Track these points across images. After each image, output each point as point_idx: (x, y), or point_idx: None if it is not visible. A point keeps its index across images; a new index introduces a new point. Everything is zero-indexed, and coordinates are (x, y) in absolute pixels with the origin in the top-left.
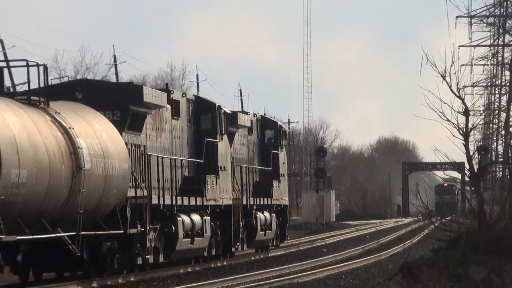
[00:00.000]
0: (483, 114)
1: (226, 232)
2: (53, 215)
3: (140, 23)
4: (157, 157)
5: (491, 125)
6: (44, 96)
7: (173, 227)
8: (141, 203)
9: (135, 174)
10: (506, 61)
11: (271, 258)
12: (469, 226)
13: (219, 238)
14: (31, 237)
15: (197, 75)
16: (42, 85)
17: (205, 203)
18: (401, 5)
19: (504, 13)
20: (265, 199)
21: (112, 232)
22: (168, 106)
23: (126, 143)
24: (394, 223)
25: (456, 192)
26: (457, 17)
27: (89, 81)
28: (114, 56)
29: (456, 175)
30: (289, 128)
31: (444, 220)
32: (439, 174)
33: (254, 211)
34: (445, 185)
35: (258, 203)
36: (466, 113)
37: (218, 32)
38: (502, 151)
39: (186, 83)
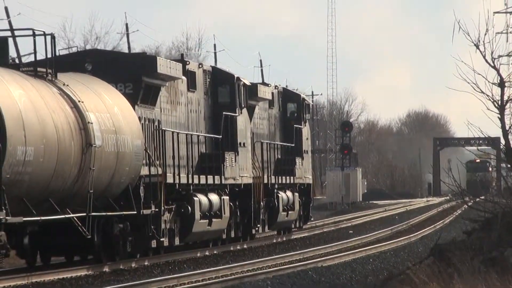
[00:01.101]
0: None
1: (246, 213)
2: (61, 195)
3: None
4: (172, 132)
5: None
6: (52, 67)
7: (190, 208)
8: (155, 182)
9: (149, 151)
10: None
11: (293, 240)
12: (505, 206)
13: (239, 219)
14: (38, 218)
15: (215, 45)
16: (49, 55)
17: (223, 181)
18: None
19: None
20: (288, 177)
21: (124, 213)
22: (183, 77)
23: (139, 118)
24: (424, 202)
25: (489, 169)
26: None
27: (100, 51)
28: (126, 25)
29: (491, 151)
30: (312, 101)
31: (478, 199)
32: (473, 150)
33: (275, 190)
34: (477, 161)
35: (280, 181)
36: (501, 84)
37: None
38: None
39: (202, 53)
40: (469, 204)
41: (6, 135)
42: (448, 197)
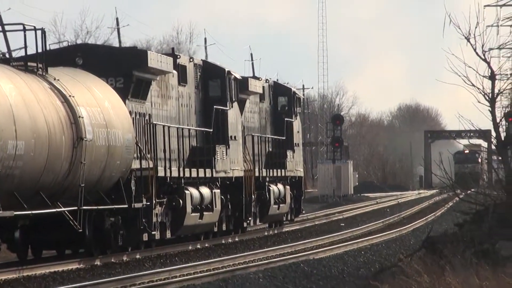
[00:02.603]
0: (511, 78)
1: (237, 206)
2: (52, 189)
3: None
4: (163, 126)
5: None
6: (42, 62)
7: (181, 201)
8: (147, 176)
9: (139, 145)
10: None
11: (285, 233)
12: (496, 198)
13: (230, 213)
14: (29, 212)
15: (205, 39)
16: (40, 50)
17: (214, 175)
18: None
19: None
20: (279, 170)
21: (115, 206)
22: (174, 71)
23: (130, 112)
24: (416, 195)
25: (479, 160)
26: None
27: (90, 45)
28: (117, 19)
29: (482, 143)
30: (303, 95)
31: (469, 191)
32: (464, 142)
33: (267, 183)
34: (466, 152)
35: (271, 174)
36: (492, 77)
37: None
38: None
39: (193, 47)
40: (461, 196)
41: None
42: (438, 189)
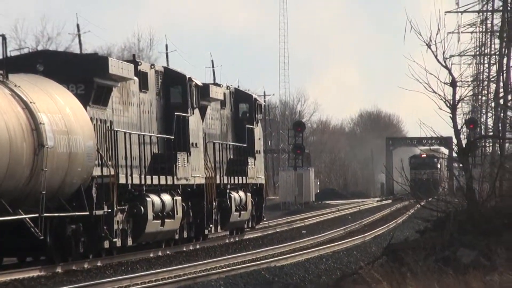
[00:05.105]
0: (471, 85)
1: (199, 213)
2: (13, 196)
3: None
4: (124, 133)
5: (480, 96)
6: (3, 68)
7: (142, 208)
8: (108, 183)
9: (101, 152)
10: (495, 28)
11: (246, 240)
12: (457, 205)
13: (191, 220)
14: None
15: (166, 45)
16: (0, 57)
17: (176, 182)
18: None
19: None
20: (240, 177)
21: (77, 213)
22: (135, 78)
23: (91, 118)
24: (377, 202)
25: (437, 166)
26: None
27: (51, 52)
28: (78, 25)
29: (443, 150)
30: (264, 101)
31: (430, 199)
32: (425, 149)
33: (228, 190)
34: (423, 156)
35: (232, 182)
36: (453, 84)
37: None
38: (491, 124)
39: (154, 54)
40: (422, 203)
41: None
42: (397, 195)
